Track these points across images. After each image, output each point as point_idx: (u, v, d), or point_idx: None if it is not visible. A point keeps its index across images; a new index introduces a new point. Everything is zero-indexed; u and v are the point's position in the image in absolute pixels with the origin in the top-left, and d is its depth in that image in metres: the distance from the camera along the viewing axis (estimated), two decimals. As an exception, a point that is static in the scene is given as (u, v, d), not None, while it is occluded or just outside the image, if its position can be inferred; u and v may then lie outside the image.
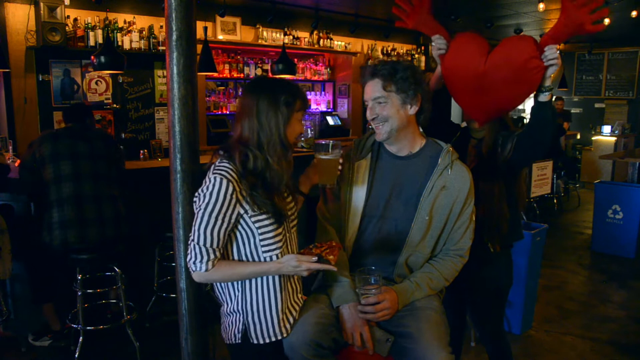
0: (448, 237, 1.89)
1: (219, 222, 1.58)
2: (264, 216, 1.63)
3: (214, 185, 1.57)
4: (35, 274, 3.14)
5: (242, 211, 1.61)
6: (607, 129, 9.23)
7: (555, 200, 7.11)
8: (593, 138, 9.30)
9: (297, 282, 1.78)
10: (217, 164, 1.64)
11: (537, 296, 3.63)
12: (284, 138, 1.64)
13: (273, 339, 1.66)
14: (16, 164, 3.86)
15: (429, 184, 1.84)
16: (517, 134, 2.05)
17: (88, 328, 2.99)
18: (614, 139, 8.92)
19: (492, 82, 1.88)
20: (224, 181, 1.57)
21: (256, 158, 1.62)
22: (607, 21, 6.23)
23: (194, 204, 1.65)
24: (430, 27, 2.02)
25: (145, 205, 3.55)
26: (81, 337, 2.95)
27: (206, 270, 1.58)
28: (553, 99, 1.98)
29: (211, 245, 1.58)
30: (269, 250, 1.66)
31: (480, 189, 2.07)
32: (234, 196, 1.58)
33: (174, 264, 2.02)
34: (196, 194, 1.64)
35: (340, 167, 1.80)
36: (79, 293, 2.96)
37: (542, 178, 5.12)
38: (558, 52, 1.79)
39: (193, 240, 1.60)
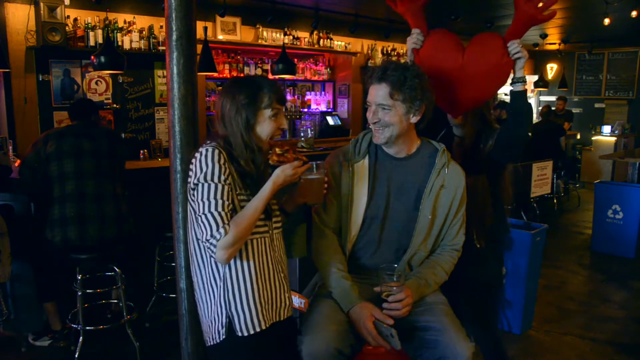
0: (446, 233, 1.94)
1: (220, 185, 1.56)
2: (251, 197, 1.63)
3: (206, 155, 1.58)
4: (39, 272, 3.15)
5: (231, 183, 1.61)
6: (607, 129, 9.23)
7: (555, 200, 7.10)
8: (593, 138, 9.30)
9: (284, 279, 1.76)
10: (203, 144, 1.64)
11: (537, 296, 3.63)
12: (248, 141, 1.64)
13: (257, 329, 1.63)
14: (16, 164, 3.86)
15: (429, 183, 1.86)
16: (498, 130, 2.13)
17: (88, 328, 2.98)
18: (614, 139, 8.92)
19: (468, 77, 1.97)
20: (215, 150, 1.58)
21: (237, 153, 1.65)
22: (607, 21, 6.23)
23: (188, 184, 1.62)
24: (416, 19, 2.06)
25: (145, 205, 3.55)
26: (81, 337, 2.95)
27: (226, 232, 1.52)
28: (527, 88, 2.07)
29: (222, 209, 1.54)
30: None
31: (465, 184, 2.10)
32: (225, 165, 1.59)
33: (174, 264, 2.02)
34: (190, 172, 1.62)
35: (326, 185, 1.77)
36: (79, 293, 2.95)
37: (542, 178, 5.12)
38: (520, 45, 1.91)
39: (203, 211, 1.53)
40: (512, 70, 1.99)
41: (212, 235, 1.53)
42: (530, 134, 2.11)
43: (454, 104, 2.09)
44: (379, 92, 1.79)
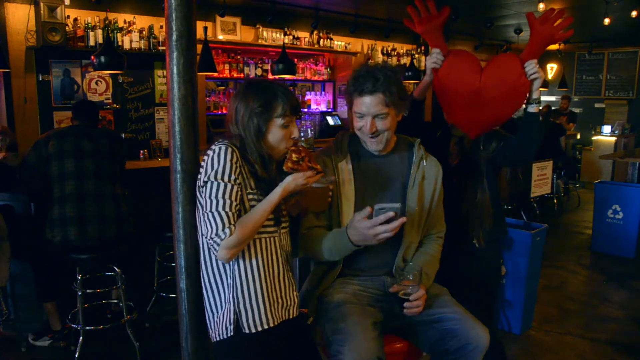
0: (430, 223, 1.99)
1: (230, 185, 1.57)
2: (261, 197, 1.63)
3: (219, 153, 1.58)
4: (39, 272, 3.15)
5: (241, 182, 1.61)
6: (607, 129, 9.22)
7: (555, 200, 7.10)
8: (593, 138, 9.30)
9: (291, 278, 1.77)
10: (216, 142, 1.65)
11: (537, 296, 3.63)
12: (259, 148, 1.66)
13: (265, 327, 1.64)
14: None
15: (411, 176, 1.91)
16: (504, 136, 2.14)
17: (88, 328, 2.99)
18: (614, 139, 8.91)
19: (486, 98, 1.99)
20: (229, 149, 1.59)
21: (251, 156, 1.65)
22: (607, 21, 6.23)
23: (198, 180, 1.64)
24: (435, 39, 2.07)
25: (145, 205, 3.55)
26: (81, 337, 2.95)
27: (231, 233, 1.53)
28: (541, 109, 2.09)
29: (230, 209, 1.55)
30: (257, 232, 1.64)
31: (464, 185, 2.12)
32: (237, 164, 1.60)
33: (174, 264, 2.02)
34: (200, 169, 1.63)
35: (330, 194, 1.77)
36: (79, 293, 2.96)
37: (542, 178, 5.12)
38: (537, 66, 1.93)
39: (210, 209, 1.55)
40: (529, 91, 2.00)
41: (216, 234, 1.54)
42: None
43: (472, 125, 2.10)
44: (374, 103, 1.79)
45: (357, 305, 1.82)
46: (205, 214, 1.57)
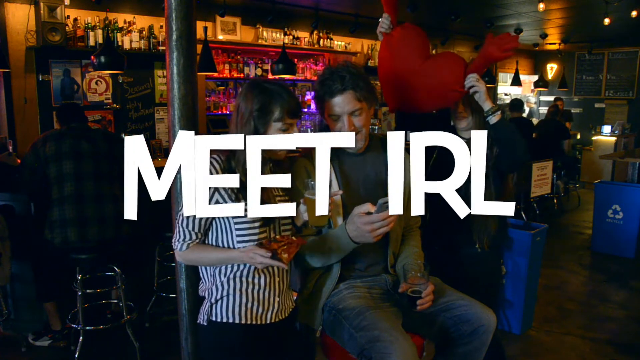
0: (407, 213, 1.96)
1: None
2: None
3: None
4: (39, 272, 3.15)
5: (220, 199, 1.60)
6: (607, 129, 9.22)
7: (555, 200, 7.11)
8: (593, 138, 9.30)
9: (278, 283, 1.73)
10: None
11: (537, 296, 3.63)
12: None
13: (236, 322, 1.65)
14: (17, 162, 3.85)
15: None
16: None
17: (88, 328, 2.99)
18: (614, 139, 8.91)
19: (417, 82, 2.05)
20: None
21: (237, 163, 1.62)
22: (607, 21, 6.24)
23: None
24: (388, 5, 2.12)
25: (145, 205, 3.54)
26: (81, 337, 2.95)
27: (181, 250, 1.65)
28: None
29: (192, 229, 1.63)
30: (244, 241, 1.64)
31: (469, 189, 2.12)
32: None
33: (174, 264, 2.02)
34: None
35: (332, 207, 1.66)
36: (79, 293, 2.96)
37: (542, 178, 5.12)
38: (477, 79, 2.01)
39: (178, 221, 1.65)
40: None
41: (174, 243, 1.67)
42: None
43: (393, 98, 2.17)
44: (347, 100, 1.80)
45: (380, 309, 1.79)
46: (177, 223, 1.65)
